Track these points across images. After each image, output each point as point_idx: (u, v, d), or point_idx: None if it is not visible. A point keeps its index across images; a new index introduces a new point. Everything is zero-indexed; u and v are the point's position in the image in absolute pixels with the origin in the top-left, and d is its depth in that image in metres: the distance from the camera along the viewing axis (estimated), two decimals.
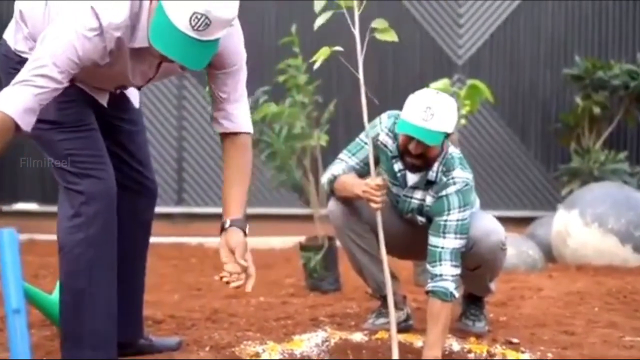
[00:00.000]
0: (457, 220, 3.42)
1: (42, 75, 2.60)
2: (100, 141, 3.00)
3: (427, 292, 3.42)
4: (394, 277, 3.65)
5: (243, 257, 2.78)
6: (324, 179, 3.70)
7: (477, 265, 3.68)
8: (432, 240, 3.44)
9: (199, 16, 2.55)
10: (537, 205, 7.42)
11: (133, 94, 3.22)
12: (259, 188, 7.27)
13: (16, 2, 2.96)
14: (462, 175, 3.51)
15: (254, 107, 5.13)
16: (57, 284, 3.20)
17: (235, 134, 2.96)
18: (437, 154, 3.48)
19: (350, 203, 3.69)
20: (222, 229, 2.85)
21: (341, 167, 3.65)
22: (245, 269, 2.77)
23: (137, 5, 2.71)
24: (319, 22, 3.12)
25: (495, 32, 7.50)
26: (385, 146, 3.63)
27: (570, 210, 5.81)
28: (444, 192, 3.48)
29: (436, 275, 3.40)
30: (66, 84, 2.68)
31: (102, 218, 2.92)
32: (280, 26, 7.10)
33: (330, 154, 6.39)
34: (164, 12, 2.57)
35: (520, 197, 7.48)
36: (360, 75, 3.14)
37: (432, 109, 3.32)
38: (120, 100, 3.16)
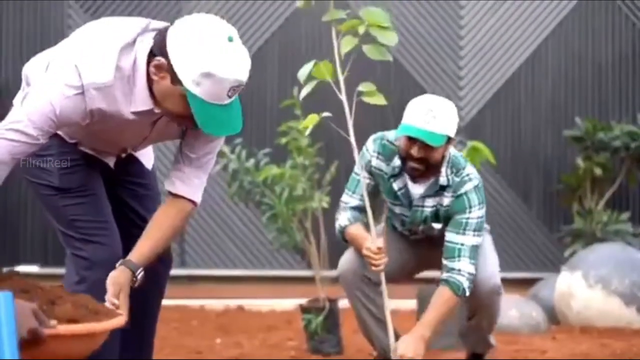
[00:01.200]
0: (477, 217, 3.48)
1: (16, 130, 2.54)
2: (105, 206, 2.96)
3: (440, 282, 3.45)
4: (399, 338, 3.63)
5: (115, 296, 2.64)
6: (336, 226, 3.74)
7: (474, 311, 3.66)
8: (452, 237, 3.47)
9: (235, 87, 2.51)
10: (540, 267, 7.38)
11: (146, 157, 3.15)
12: (260, 250, 7.26)
13: (24, 67, 2.95)
14: (473, 171, 3.55)
15: (255, 169, 5.15)
16: None
17: (180, 197, 2.82)
18: (439, 158, 3.46)
19: (361, 263, 3.67)
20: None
21: (346, 217, 3.68)
22: (117, 308, 2.62)
23: (129, 68, 2.59)
24: (304, 92, 3.15)
25: (495, 93, 7.55)
26: (380, 170, 3.65)
27: (574, 271, 5.78)
28: (462, 190, 3.51)
29: (453, 269, 3.45)
30: (42, 141, 2.59)
31: (105, 284, 2.90)
32: (282, 88, 7.16)
33: (332, 216, 6.42)
34: (201, 101, 2.48)
35: (523, 259, 7.46)
36: (352, 139, 3.18)
37: (434, 112, 3.35)
38: (131, 163, 3.11)
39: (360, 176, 3.61)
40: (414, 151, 3.41)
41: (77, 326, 2.23)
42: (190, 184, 2.82)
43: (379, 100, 3.13)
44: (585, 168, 6.99)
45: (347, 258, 3.75)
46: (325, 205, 5.03)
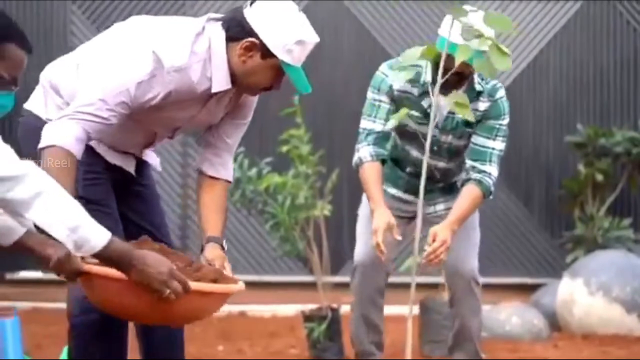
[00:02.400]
0: (507, 124, 3.61)
1: (87, 113, 2.68)
2: (118, 224, 3.00)
3: (467, 181, 3.54)
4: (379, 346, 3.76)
5: (222, 267, 2.83)
6: (355, 156, 3.67)
7: (457, 303, 3.73)
8: (483, 141, 3.58)
9: (310, 48, 2.84)
10: (541, 272, 7.39)
11: (154, 158, 3.23)
12: (263, 256, 7.27)
13: (43, 73, 2.98)
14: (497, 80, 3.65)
15: (257, 178, 5.17)
16: (64, 351, 3.20)
17: (219, 179, 3.04)
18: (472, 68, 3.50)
19: (373, 280, 3.74)
20: (202, 249, 2.93)
21: (368, 150, 3.60)
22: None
23: (204, 52, 2.79)
24: (400, 77, 3.21)
25: None
26: (405, 91, 3.62)
27: (575, 278, 5.79)
28: (498, 95, 3.63)
29: (485, 172, 3.58)
30: (114, 122, 2.73)
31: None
32: (283, 97, 7.17)
33: (334, 224, 6.43)
34: (293, 66, 2.78)
35: (525, 264, 7.46)
36: (427, 144, 3.19)
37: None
38: (142, 165, 3.18)
39: (379, 101, 3.62)
40: (458, 66, 3.41)
41: (217, 286, 2.56)
42: (228, 168, 3.08)
43: (468, 114, 3.10)
44: (586, 174, 7.00)
45: (365, 250, 3.73)
46: (327, 213, 5.05)
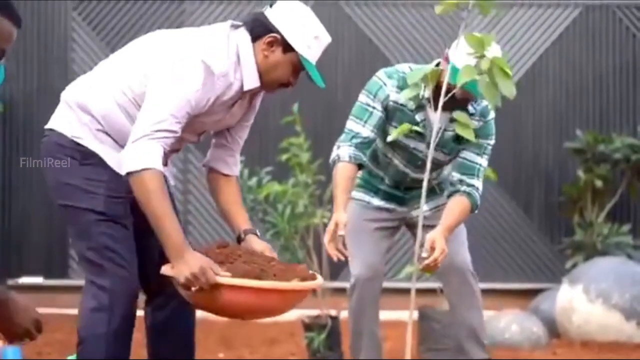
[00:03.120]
0: (493, 144, 3.75)
1: (164, 130, 2.81)
2: (133, 243, 3.05)
3: (455, 192, 3.61)
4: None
5: (273, 255, 3.03)
6: (333, 153, 3.68)
7: (456, 296, 3.80)
8: (472, 157, 3.69)
9: (324, 45, 3.05)
10: (541, 278, 7.41)
11: (169, 171, 3.27)
12: None
13: (67, 93, 3.03)
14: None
15: (257, 187, 5.19)
16: None
17: (232, 176, 3.23)
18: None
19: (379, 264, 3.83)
20: (239, 239, 3.12)
21: (348, 152, 3.61)
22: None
23: (234, 55, 2.96)
24: (407, 95, 3.20)
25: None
26: (400, 103, 3.65)
27: (574, 285, 5.81)
28: (489, 117, 3.75)
29: (473, 185, 3.66)
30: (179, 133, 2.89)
31: (123, 313, 2.97)
32: (283, 105, 7.19)
33: None
34: (310, 61, 2.99)
35: (525, 269, 7.48)
36: (429, 159, 3.16)
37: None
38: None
39: (372, 108, 3.64)
40: (458, 93, 3.43)
41: (303, 283, 2.78)
42: (238, 166, 3.28)
43: (469, 134, 3.14)
44: (586, 180, 7.01)
45: (361, 264, 3.76)
46: (326, 221, 5.06)
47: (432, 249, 3.42)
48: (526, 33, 7.56)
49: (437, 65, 3.55)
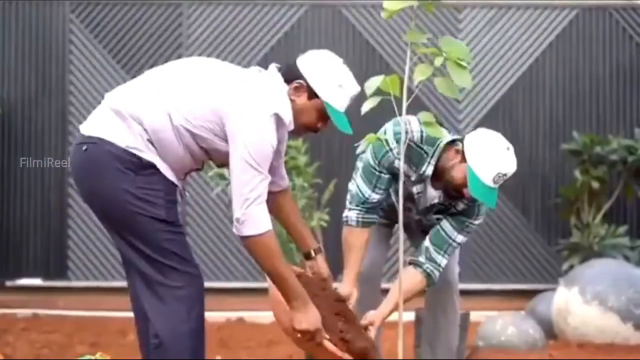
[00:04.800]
0: (478, 224, 3.69)
1: (262, 180, 3.05)
2: (188, 244, 3.26)
3: (416, 263, 3.59)
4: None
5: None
6: (345, 212, 3.71)
7: (435, 305, 3.84)
8: (450, 230, 3.63)
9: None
10: (538, 279, 7.44)
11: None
12: None
13: (116, 101, 3.08)
14: None
15: None
16: None
17: (287, 190, 3.44)
18: None
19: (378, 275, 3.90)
20: (308, 257, 3.44)
21: (358, 216, 3.66)
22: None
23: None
24: (367, 107, 3.16)
25: (493, 107, 7.61)
26: (404, 174, 3.65)
27: (571, 287, 5.82)
28: (479, 201, 3.65)
29: (436, 262, 3.60)
30: None
31: (199, 311, 3.14)
32: None
33: (331, 235, 6.44)
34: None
35: (522, 270, 7.51)
36: (401, 163, 3.19)
37: (507, 174, 3.43)
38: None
39: (380, 172, 3.64)
40: (466, 191, 3.48)
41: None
42: (287, 178, 3.50)
43: (436, 132, 3.13)
44: (582, 181, 7.04)
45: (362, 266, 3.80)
46: (324, 224, 5.08)
47: (370, 324, 3.48)
48: (523, 35, 7.59)
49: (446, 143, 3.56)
